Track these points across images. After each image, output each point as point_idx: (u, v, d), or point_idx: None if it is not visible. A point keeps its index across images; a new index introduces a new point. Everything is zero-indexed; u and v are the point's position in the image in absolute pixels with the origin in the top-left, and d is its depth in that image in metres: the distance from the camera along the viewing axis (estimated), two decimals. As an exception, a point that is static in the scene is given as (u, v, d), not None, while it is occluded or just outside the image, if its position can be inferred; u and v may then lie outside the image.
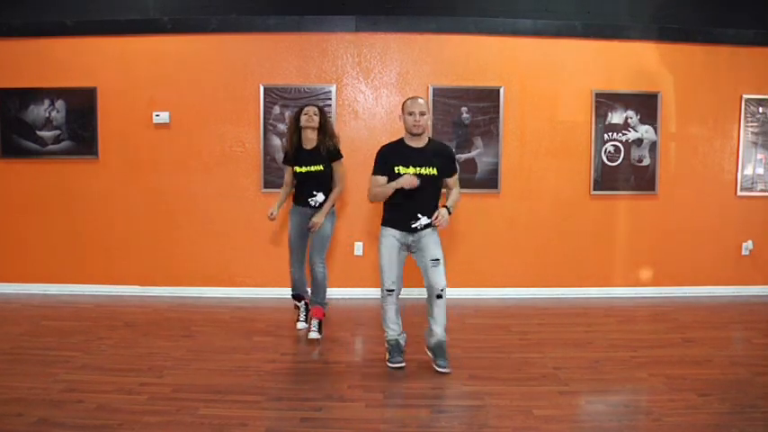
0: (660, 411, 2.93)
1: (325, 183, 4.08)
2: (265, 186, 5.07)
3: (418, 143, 3.43)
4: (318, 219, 3.99)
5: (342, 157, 4.10)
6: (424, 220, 3.41)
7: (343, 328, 4.31)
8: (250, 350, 3.81)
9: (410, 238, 3.46)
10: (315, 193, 4.06)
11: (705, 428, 2.75)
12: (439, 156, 3.44)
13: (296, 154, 4.08)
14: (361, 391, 3.18)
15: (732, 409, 2.96)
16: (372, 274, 5.14)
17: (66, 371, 3.37)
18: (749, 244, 5.39)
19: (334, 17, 5.04)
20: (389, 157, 3.44)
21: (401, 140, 3.49)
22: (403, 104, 3.46)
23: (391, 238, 3.46)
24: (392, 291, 3.49)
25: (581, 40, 5.12)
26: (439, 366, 3.42)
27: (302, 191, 4.11)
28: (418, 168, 3.36)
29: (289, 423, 2.79)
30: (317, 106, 4.11)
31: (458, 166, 3.56)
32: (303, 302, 4.29)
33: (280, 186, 5.00)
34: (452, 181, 3.53)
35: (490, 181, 5.14)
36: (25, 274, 5.24)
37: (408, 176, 3.32)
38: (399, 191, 3.37)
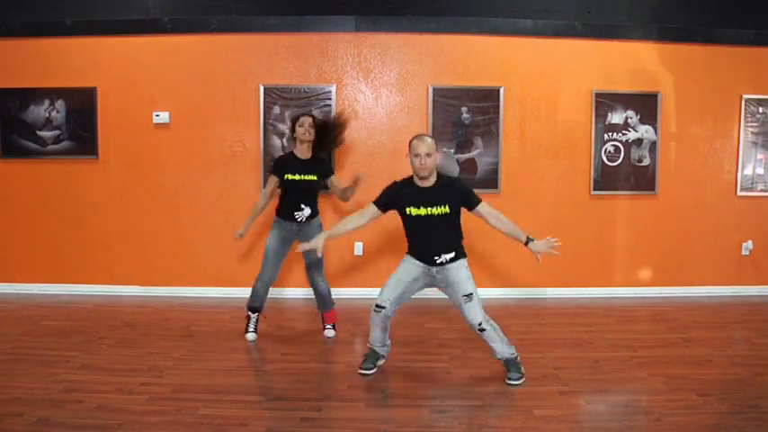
0: (660, 411, 2.93)
1: (313, 196, 3.96)
2: (265, 186, 5.05)
3: (427, 183, 3.33)
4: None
5: (333, 172, 4.10)
6: (448, 257, 3.31)
7: (344, 328, 4.31)
8: (250, 350, 3.82)
9: (434, 270, 3.35)
10: (302, 206, 3.91)
11: (705, 428, 2.75)
12: (449, 192, 3.32)
13: (287, 163, 3.94)
14: (361, 391, 3.18)
15: (732, 409, 2.97)
16: (372, 273, 5.14)
17: (66, 371, 3.37)
18: (749, 244, 5.39)
19: (335, 17, 5.03)
20: (398, 197, 3.34)
21: (411, 180, 3.37)
22: (409, 144, 3.33)
23: (413, 265, 3.36)
24: (382, 308, 3.34)
25: (581, 40, 5.12)
26: (509, 379, 3.29)
27: (289, 203, 3.93)
28: (429, 209, 3.28)
29: (289, 423, 2.80)
30: (314, 117, 3.99)
31: (478, 198, 3.34)
32: (257, 314, 4.09)
33: (279, 186, 4.97)
34: (484, 211, 3.33)
35: (490, 181, 5.14)
36: (25, 274, 5.24)
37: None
38: (414, 231, 3.35)
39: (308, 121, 3.91)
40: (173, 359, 3.60)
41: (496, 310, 4.85)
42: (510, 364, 3.35)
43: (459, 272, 3.32)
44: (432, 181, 3.32)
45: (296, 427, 2.76)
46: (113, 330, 4.18)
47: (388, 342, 3.52)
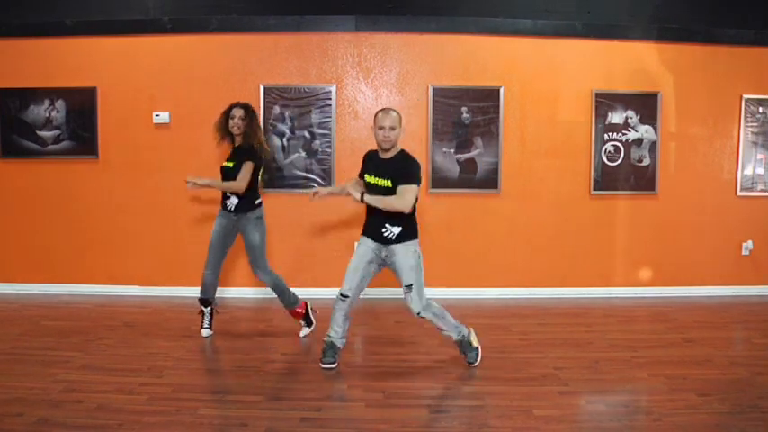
0: (660, 411, 2.93)
1: None
2: (265, 186, 5.05)
3: (387, 154, 3.41)
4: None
5: (251, 161, 3.86)
6: (395, 230, 3.35)
7: (343, 328, 4.31)
8: (250, 350, 3.82)
9: (383, 252, 3.42)
10: (228, 194, 3.94)
11: (705, 428, 2.76)
12: (398, 168, 3.33)
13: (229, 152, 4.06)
14: (361, 391, 3.18)
15: (732, 409, 2.97)
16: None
17: (66, 371, 3.37)
18: (749, 244, 5.39)
19: (335, 17, 5.03)
20: (366, 165, 3.52)
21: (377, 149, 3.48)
22: (375, 116, 3.38)
23: (365, 247, 3.46)
24: (346, 297, 3.45)
25: (581, 40, 5.12)
26: (468, 361, 3.53)
27: (222, 193, 4.01)
28: (377, 179, 3.37)
29: (289, 423, 2.80)
30: (245, 108, 3.95)
31: (409, 183, 3.26)
32: (209, 308, 4.07)
33: (279, 186, 5.11)
34: (398, 191, 3.27)
35: (490, 181, 5.14)
36: (25, 274, 5.24)
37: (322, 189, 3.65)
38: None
39: (238, 113, 3.92)
40: (173, 359, 3.60)
41: (497, 310, 4.88)
42: (462, 346, 3.52)
43: (406, 258, 3.36)
44: (391, 154, 3.42)
45: (296, 427, 2.76)
46: (113, 330, 4.18)
47: (347, 335, 3.58)
